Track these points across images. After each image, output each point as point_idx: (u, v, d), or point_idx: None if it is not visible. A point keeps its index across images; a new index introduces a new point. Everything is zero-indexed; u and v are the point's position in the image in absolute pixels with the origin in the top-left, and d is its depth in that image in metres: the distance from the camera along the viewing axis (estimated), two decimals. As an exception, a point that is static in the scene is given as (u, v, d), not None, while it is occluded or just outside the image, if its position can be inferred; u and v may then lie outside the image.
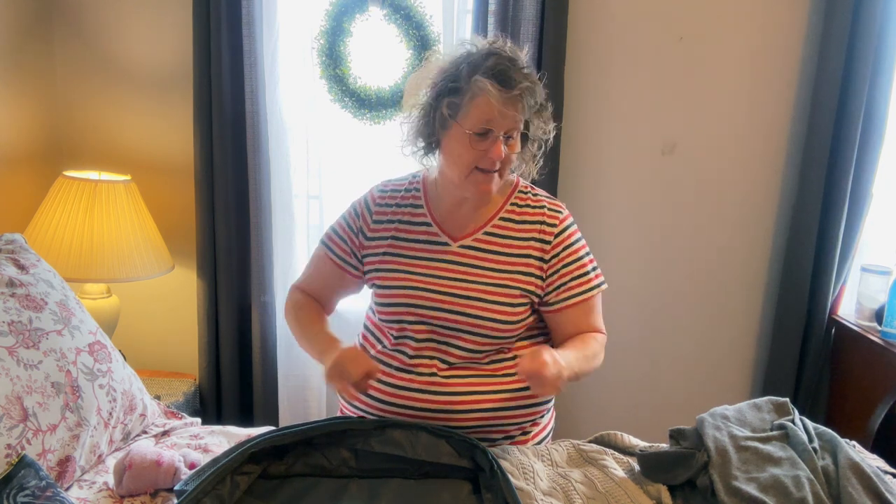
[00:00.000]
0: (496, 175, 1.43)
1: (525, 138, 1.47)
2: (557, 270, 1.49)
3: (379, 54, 2.30)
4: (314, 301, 1.64)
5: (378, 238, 1.53)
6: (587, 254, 1.54)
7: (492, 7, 2.15)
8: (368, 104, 2.30)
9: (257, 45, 2.24)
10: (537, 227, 1.50)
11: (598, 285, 1.53)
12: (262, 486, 1.29)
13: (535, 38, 2.17)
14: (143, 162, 2.43)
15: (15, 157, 2.25)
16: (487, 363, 1.48)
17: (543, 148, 1.53)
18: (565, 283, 1.49)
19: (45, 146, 2.40)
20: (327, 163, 2.42)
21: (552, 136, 1.52)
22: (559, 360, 1.31)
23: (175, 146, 2.42)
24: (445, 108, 1.40)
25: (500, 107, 1.35)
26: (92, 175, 2.24)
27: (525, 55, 1.45)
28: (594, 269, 1.54)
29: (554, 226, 1.50)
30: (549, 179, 2.24)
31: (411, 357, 1.47)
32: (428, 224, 1.52)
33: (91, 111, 2.44)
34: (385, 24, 2.26)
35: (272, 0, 2.25)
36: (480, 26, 2.19)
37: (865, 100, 2.15)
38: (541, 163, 1.56)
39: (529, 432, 1.55)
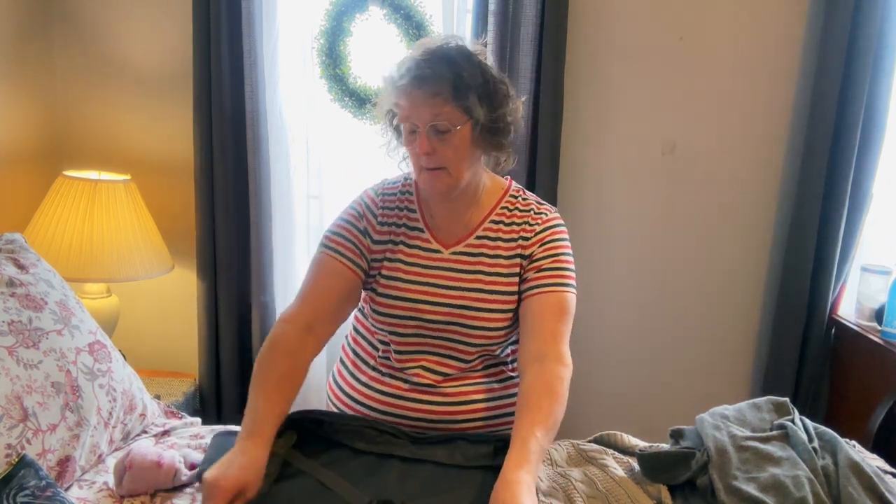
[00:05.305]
0: (443, 173, 1.40)
1: (479, 128, 1.40)
2: (534, 262, 1.46)
3: (379, 54, 2.30)
4: (293, 359, 1.41)
5: (382, 242, 1.50)
6: (568, 255, 1.50)
7: (492, 7, 2.15)
8: (368, 104, 2.30)
9: (257, 45, 2.24)
10: (523, 226, 1.50)
11: (571, 285, 1.47)
12: (308, 445, 1.40)
13: (535, 38, 2.17)
14: (142, 162, 2.43)
15: (15, 157, 2.25)
16: (482, 369, 1.50)
17: (511, 134, 1.47)
18: (537, 274, 1.45)
19: (45, 146, 2.40)
20: (327, 163, 2.42)
21: (517, 117, 1.47)
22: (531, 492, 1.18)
23: (175, 146, 2.42)
24: (390, 120, 1.48)
25: (412, 103, 1.37)
26: (92, 175, 2.24)
27: (484, 45, 1.52)
28: (571, 271, 1.49)
29: (537, 224, 1.49)
30: (550, 179, 2.24)
31: (405, 366, 1.48)
32: (421, 230, 1.51)
33: (91, 111, 2.44)
34: (385, 23, 2.26)
35: (272, 0, 2.25)
36: (480, 26, 2.18)
37: (865, 100, 2.14)
38: (513, 153, 1.52)
39: None
